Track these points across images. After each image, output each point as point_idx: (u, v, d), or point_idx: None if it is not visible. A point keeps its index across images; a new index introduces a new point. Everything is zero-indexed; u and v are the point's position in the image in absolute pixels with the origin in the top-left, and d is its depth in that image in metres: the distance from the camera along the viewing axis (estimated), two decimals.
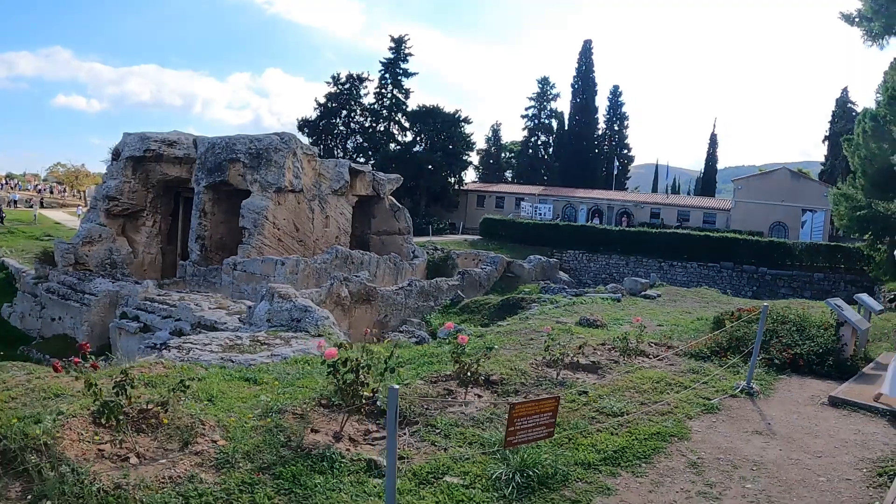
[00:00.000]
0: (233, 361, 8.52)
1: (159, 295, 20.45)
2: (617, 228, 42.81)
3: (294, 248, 25.62)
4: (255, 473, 4.69)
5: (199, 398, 5.95)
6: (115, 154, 26.79)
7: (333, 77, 60.92)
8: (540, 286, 25.64)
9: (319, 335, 11.38)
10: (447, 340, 9.69)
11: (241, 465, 4.80)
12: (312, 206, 27.14)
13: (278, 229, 25.08)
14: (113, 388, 4.97)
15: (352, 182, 30.03)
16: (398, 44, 60.84)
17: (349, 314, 22.07)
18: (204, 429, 5.27)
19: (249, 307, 16.43)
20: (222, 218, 25.24)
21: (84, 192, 59.67)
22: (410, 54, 61.41)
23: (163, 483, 4.42)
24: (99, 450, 4.75)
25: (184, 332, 16.31)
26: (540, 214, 52.14)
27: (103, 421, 4.94)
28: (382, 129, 61.72)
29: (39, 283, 24.78)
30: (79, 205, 56.88)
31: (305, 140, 49.61)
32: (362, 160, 52.17)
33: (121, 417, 4.90)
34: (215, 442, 5.12)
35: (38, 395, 5.66)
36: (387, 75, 61.15)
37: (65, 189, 66.63)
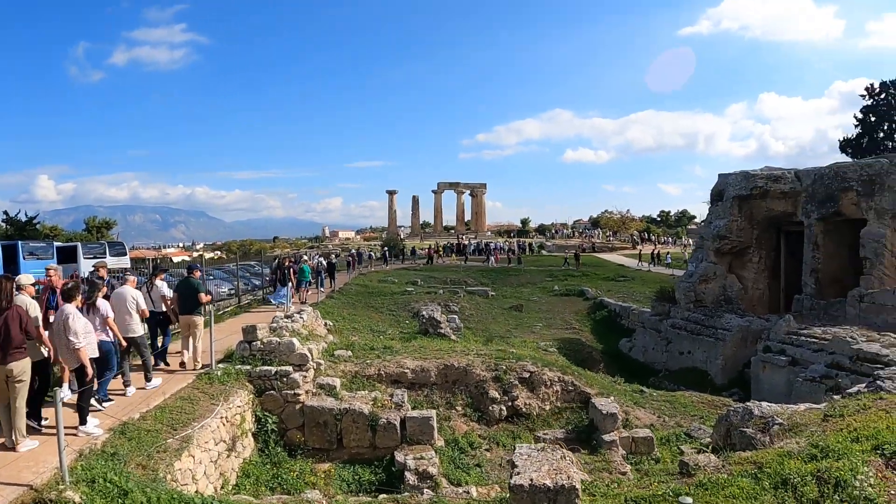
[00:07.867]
0: None
1: (800, 329, 21.29)
2: None
3: None
4: None
5: None
6: (716, 195, 28.92)
7: (867, 89, 54.42)
8: None
9: None
10: None
11: None
12: None
13: (895, 257, 23.27)
14: None
15: None
16: None
17: None
18: None
19: None
20: (832, 250, 24.78)
21: (632, 234, 67.45)
22: None
23: None
24: None
25: (842, 365, 16.59)
26: None
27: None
28: None
29: (662, 319, 27.54)
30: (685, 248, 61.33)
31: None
32: None
33: None
34: None
35: None
36: None
37: (611, 233, 76.57)
